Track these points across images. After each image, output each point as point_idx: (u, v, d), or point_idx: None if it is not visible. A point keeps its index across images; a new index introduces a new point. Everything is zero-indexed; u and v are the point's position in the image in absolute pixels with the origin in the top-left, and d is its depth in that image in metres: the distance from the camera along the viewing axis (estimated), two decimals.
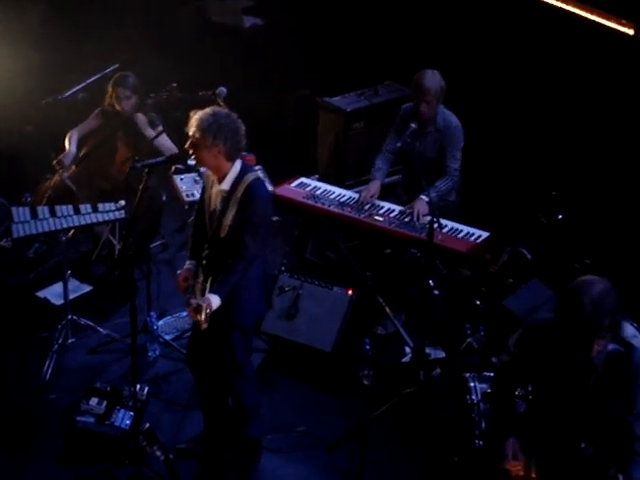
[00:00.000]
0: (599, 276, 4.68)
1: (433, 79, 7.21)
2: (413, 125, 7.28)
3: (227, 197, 5.70)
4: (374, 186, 7.42)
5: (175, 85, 7.89)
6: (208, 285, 5.75)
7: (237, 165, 5.72)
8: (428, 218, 6.81)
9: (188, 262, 5.95)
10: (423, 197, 7.12)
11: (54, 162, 7.66)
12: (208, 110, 5.70)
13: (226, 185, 5.71)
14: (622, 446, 4.75)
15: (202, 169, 7.47)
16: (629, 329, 6.44)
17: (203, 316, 5.55)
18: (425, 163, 7.30)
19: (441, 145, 7.34)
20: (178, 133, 7.90)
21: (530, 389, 5.26)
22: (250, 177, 5.70)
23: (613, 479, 4.77)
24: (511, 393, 5.18)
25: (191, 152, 5.72)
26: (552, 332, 4.68)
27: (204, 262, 5.85)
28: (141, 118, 7.74)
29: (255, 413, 6.15)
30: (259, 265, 5.82)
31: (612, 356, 4.68)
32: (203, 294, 5.72)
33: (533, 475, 4.86)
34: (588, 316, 4.49)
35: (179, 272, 5.99)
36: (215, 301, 5.60)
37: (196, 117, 5.66)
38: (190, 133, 5.67)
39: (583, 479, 4.83)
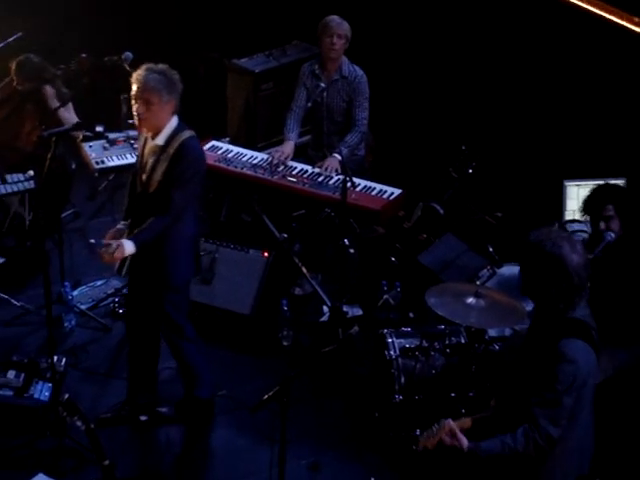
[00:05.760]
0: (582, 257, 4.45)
1: (343, 20, 7.33)
2: (322, 85, 7.32)
3: (160, 152, 5.68)
4: (287, 147, 7.43)
5: (84, 56, 7.76)
6: None
7: (174, 121, 5.72)
8: (340, 176, 6.85)
9: (121, 222, 5.93)
10: (336, 155, 7.16)
11: None
12: (150, 70, 5.63)
13: (160, 140, 5.69)
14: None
15: (115, 135, 7.43)
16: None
17: (109, 256, 5.55)
18: (333, 113, 7.37)
19: (348, 94, 7.39)
20: (86, 99, 7.84)
21: None
22: (185, 134, 5.71)
23: None
24: None
25: (143, 115, 5.62)
26: None
27: (131, 219, 5.82)
28: (49, 90, 7.61)
29: (202, 373, 6.19)
30: (189, 226, 5.83)
31: (549, 331, 4.46)
32: None
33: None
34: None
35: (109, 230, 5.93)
36: (128, 246, 5.60)
37: (143, 81, 5.58)
38: (140, 95, 5.60)
39: None
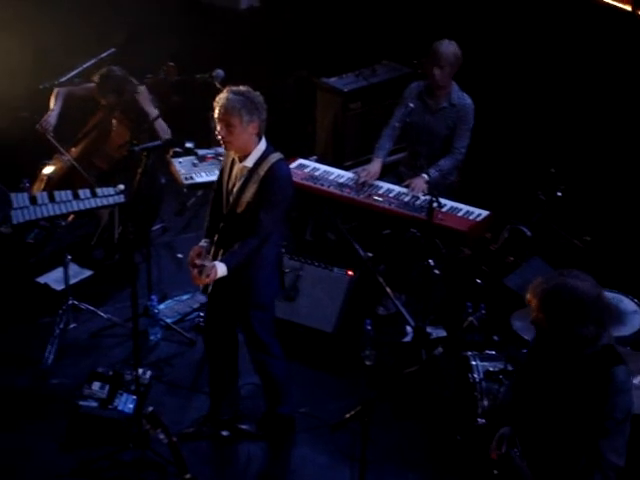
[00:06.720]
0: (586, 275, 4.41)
1: (448, 46, 7.26)
2: (411, 105, 7.32)
3: (249, 174, 5.71)
4: (375, 166, 7.42)
5: (172, 64, 7.84)
6: (219, 258, 5.78)
7: (262, 144, 5.73)
8: (427, 196, 6.82)
9: (203, 240, 5.94)
10: (424, 175, 7.14)
11: (37, 126, 7.62)
12: (230, 91, 5.64)
13: (249, 162, 5.71)
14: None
15: (204, 152, 7.51)
16: (630, 305, 6.47)
17: (204, 279, 5.58)
18: (434, 138, 7.35)
19: (453, 122, 7.35)
20: (177, 116, 7.93)
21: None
22: (274, 157, 5.72)
23: None
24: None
25: (226, 138, 5.64)
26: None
27: (217, 237, 5.86)
28: (144, 92, 7.68)
29: (287, 390, 6.22)
30: (274, 246, 5.85)
31: (592, 361, 4.36)
32: None
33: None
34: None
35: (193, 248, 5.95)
36: (221, 268, 5.62)
37: (223, 103, 5.59)
38: (222, 117, 5.60)
39: None
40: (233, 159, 5.83)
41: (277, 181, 5.68)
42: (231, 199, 5.79)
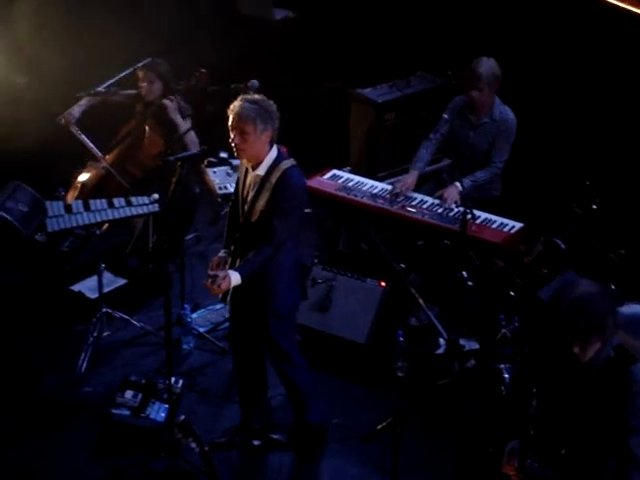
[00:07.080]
0: (596, 281, 4.56)
1: (486, 66, 7.21)
2: (445, 116, 7.32)
3: (261, 182, 5.72)
4: (411, 178, 7.40)
5: (204, 71, 7.86)
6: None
7: (274, 151, 5.73)
8: (460, 208, 6.81)
9: (222, 251, 5.97)
10: (457, 185, 7.12)
11: (59, 118, 7.66)
12: (245, 100, 5.66)
13: (261, 171, 5.72)
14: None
15: (238, 162, 7.52)
16: None
17: (216, 288, 5.59)
18: (476, 154, 7.34)
19: (493, 137, 7.32)
20: (211, 125, 7.95)
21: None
22: (286, 164, 5.72)
23: None
24: (526, 393, 5.00)
25: (240, 145, 5.65)
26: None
27: (233, 247, 5.88)
28: (169, 104, 7.69)
29: (313, 398, 6.20)
30: (290, 254, 5.83)
31: (607, 366, 4.46)
32: None
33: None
34: (561, 316, 4.42)
35: (213, 258, 5.99)
36: (234, 277, 5.62)
37: (238, 111, 5.62)
38: (236, 125, 5.63)
39: None
40: (247, 168, 5.85)
41: (289, 188, 5.68)
42: (246, 208, 5.81)
